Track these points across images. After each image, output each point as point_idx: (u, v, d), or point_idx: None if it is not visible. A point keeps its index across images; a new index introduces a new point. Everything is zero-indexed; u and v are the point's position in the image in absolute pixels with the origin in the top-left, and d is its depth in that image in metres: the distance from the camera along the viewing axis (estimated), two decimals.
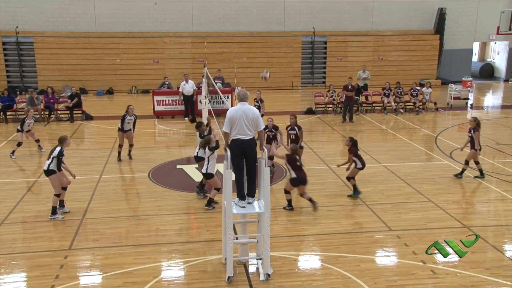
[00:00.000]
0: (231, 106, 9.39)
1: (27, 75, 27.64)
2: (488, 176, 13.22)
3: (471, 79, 27.06)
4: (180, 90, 20.67)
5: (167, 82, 22.61)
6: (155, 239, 9.73)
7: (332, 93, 22.23)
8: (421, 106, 22.24)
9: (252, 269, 8.50)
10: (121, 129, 14.67)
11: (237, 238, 8.64)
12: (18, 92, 25.76)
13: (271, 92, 27.88)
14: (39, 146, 15.79)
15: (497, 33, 28.77)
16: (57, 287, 7.90)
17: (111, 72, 27.91)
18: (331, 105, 22.22)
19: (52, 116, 20.72)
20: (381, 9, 29.77)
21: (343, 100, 20.59)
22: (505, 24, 28.07)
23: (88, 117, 20.91)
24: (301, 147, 13.14)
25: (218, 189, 10.87)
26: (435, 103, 22.46)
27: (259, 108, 16.28)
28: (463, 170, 13.21)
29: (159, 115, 21.27)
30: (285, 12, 29.18)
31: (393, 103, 21.99)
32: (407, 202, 11.60)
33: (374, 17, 29.87)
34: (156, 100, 21.21)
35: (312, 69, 29.89)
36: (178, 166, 14.29)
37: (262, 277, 8.10)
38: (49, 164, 10.51)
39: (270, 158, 13.03)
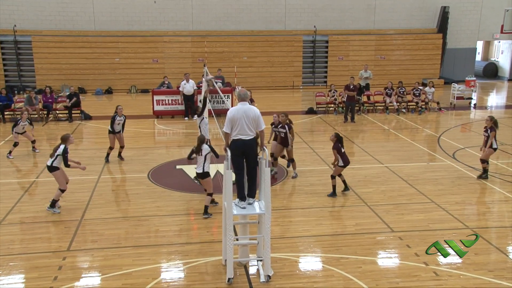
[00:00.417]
0: (232, 106, 9.40)
1: (25, 74, 27.68)
2: (491, 177, 13.23)
3: (474, 78, 26.99)
4: (181, 89, 20.67)
5: (166, 82, 22.63)
6: (154, 240, 9.74)
7: (333, 92, 22.24)
8: (423, 106, 22.25)
9: (252, 270, 8.51)
10: (112, 131, 14.52)
11: (237, 239, 8.64)
12: (16, 92, 25.74)
13: (272, 92, 27.93)
14: (33, 147, 15.75)
15: (501, 32, 28.81)
16: None
17: (110, 71, 27.93)
18: (332, 105, 22.23)
19: (50, 115, 20.74)
20: (384, 8, 29.77)
21: (345, 99, 20.60)
22: (509, 22, 28.08)
23: (87, 117, 20.93)
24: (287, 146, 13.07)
25: (211, 194, 10.75)
26: (438, 103, 22.46)
27: None
28: (485, 169, 13.18)
29: (158, 115, 21.28)
30: (286, 10, 29.19)
31: (395, 103, 22.00)
32: (409, 203, 11.60)
33: (376, 15, 29.87)
34: (156, 100, 21.23)
35: (313, 69, 29.89)
36: (178, 167, 14.30)
37: (262, 279, 8.12)
38: (52, 161, 10.77)
39: (276, 158, 13.45)
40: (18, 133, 15.48)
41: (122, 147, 14.89)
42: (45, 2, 27.12)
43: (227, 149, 8.19)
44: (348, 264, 8.69)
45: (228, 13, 28.75)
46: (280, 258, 8.86)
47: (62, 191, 10.99)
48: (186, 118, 20.83)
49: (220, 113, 19.20)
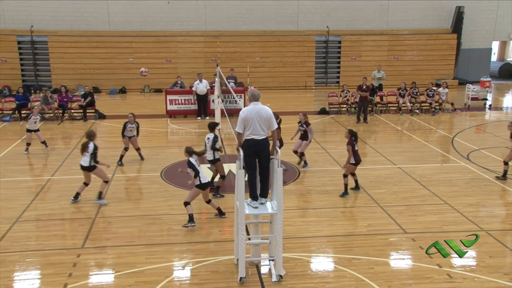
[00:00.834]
0: (244, 106, 9.42)
1: (41, 74, 27.97)
2: (508, 178, 13.08)
3: (489, 79, 26.69)
4: (194, 89, 20.73)
5: (179, 82, 22.73)
6: (167, 239, 9.79)
7: (346, 93, 22.16)
8: (437, 107, 22.08)
9: (264, 270, 8.52)
10: (124, 136, 14.62)
11: (249, 239, 8.65)
12: (32, 91, 26.08)
13: (284, 92, 27.91)
14: (45, 144, 15.85)
15: None
16: (70, 285, 7.99)
17: (124, 71, 28.11)
18: (345, 105, 22.16)
19: (65, 114, 20.93)
20: (397, 8, 29.58)
21: (357, 100, 20.52)
22: None
23: (101, 116, 21.09)
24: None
25: (188, 203, 10.29)
26: (452, 104, 22.26)
27: None
28: (505, 171, 13.14)
29: (171, 114, 21.37)
30: (298, 11, 29.14)
31: (408, 104, 21.86)
32: (422, 204, 11.53)
33: (389, 16, 29.69)
34: (169, 100, 21.31)
35: (325, 69, 29.81)
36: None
37: (274, 278, 8.12)
38: (89, 161, 11.20)
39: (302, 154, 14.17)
40: (31, 131, 15.58)
41: (138, 149, 14.95)
42: (61, 3, 27.38)
43: (240, 149, 8.21)
44: (360, 265, 8.66)
45: (241, 14, 28.77)
46: (292, 258, 8.85)
47: (106, 182, 11.61)
48: (199, 118, 20.89)
49: (233, 113, 19.23)
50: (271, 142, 8.36)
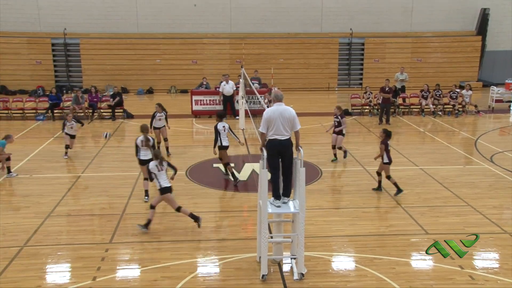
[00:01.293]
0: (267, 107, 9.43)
1: (73, 74, 28.48)
2: None
3: None
4: (220, 90, 20.84)
5: (205, 83, 22.87)
6: (191, 236, 9.86)
7: (368, 94, 21.97)
8: (460, 109, 21.71)
9: (286, 268, 8.50)
10: (156, 127, 14.84)
11: (271, 237, 8.66)
12: (64, 91, 26.57)
13: (307, 93, 27.80)
14: (66, 153, 15.17)
15: None
16: (99, 278, 8.13)
17: (152, 72, 28.41)
18: (367, 107, 21.96)
19: (95, 114, 21.27)
20: (421, 11, 29.17)
21: (380, 102, 20.33)
22: None
23: (129, 116, 21.36)
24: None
25: (153, 207, 10.03)
26: (475, 106, 21.87)
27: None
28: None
29: (197, 114, 21.51)
30: (322, 13, 28.99)
31: (431, 105, 21.55)
32: (444, 205, 11.35)
33: (413, 18, 29.31)
34: (194, 100, 21.46)
35: (349, 71, 29.60)
36: (214, 165, 14.41)
37: (296, 276, 8.10)
38: (151, 153, 11.13)
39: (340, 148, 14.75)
40: (68, 135, 15.24)
41: (165, 139, 15.14)
42: (93, 7, 27.84)
43: (263, 148, 8.21)
44: (382, 264, 8.57)
45: (266, 16, 28.78)
46: (314, 256, 8.82)
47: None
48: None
49: (257, 113, 19.25)
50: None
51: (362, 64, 29.51)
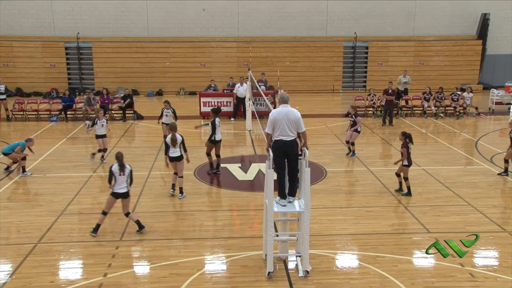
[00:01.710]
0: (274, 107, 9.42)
1: (86, 77, 28.58)
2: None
3: None
4: (235, 91, 20.93)
5: (213, 85, 22.89)
6: (199, 234, 9.86)
7: (372, 97, 21.89)
8: (461, 111, 21.59)
9: (291, 265, 8.48)
10: (163, 122, 15.50)
11: (277, 235, 8.64)
12: (77, 93, 26.68)
13: (313, 95, 27.76)
14: (103, 156, 14.72)
15: None
16: (110, 275, 8.14)
17: (161, 74, 28.48)
18: (371, 109, 21.89)
19: (106, 115, 21.28)
20: (424, 15, 29.05)
21: (383, 104, 20.25)
22: None
23: (139, 117, 21.41)
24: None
25: (105, 213, 9.77)
26: (476, 108, 21.75)
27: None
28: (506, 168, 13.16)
29: (205, 115, 21.50)
30: (327, 18, 28.93)
31: (433, 108, 21.44)
32: (446, 205, 11.28)
33: (416, 22, 29.18)
34: (202, 102, 21.48)
35: (353, 73, 29.51)
36: (222, 165, 14.40)
37: (301, 274, 8.08)
38: (180, 151, 11.53)
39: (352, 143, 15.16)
40: (100, 136, 14.58)
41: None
42: (105, 12, 27.95)
43: (269, 149, 8.20)
44: (384, 262, 8.53)
45: (272, 20, 28.76)
46: (318, 254, 8.79)
47: (182, 177, 11.77)
48: (233, 119, 21.00)
49: (263, 115, 19.23)
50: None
51: (366, 67, 29.42)
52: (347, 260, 8.84)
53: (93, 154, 14.87)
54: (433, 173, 13.53)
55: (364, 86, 29.09)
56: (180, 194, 11.73)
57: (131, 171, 9.65)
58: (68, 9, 27.68)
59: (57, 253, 8.94)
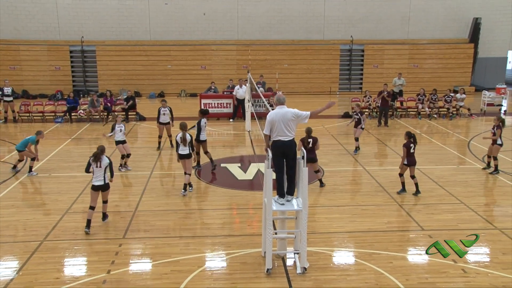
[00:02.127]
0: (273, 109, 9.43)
1: (90, 79, 28.58)
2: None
3: (505, 86, 26.08)
4: (234, 93, 20.93)
5: (213, 87, 22.88)
6: (200, 232, 9.86)
7: (368, 98, 21.91)
8: (454, 112, 21.62)
9: (289, 262, 8.49)
10: (161, 123, 15.65)
11: (276, 233, 8.65)
12: (81, 95, 26.67)
13: (311, 97, 27.75)
14: (125, 162, 13.90)
15: None
16: (113, 272, 8.15)
17: (163, 77, 28.48)
18: (367, 110, 21.90)
19: (110, 116, 21.31)
20: (418, 19, 29.11)
21: (379, 105, 20.27)
22: None
23: (142, 118, 21.41)
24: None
25: (92, 208, 9.83)
26: (468, 109, 21.79)
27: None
28: (495, 165, 13.31)
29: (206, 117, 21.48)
30: (325, 21, 28.97)
31: (427, 109, 21.47)
32: (439, 203, 11.30)
33: (410, 26, 29.23)
34: (203, 103, 21.48)
35: (349, 76, 29.54)
36: (222, 165, 14.42)
37: (299, 270, 8.09)
38: (189, 149, 11.71)
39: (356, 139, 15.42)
40: (120, 142, 13.71)
41: (169, 136, 15.52)
42: (108, 16, 27.95)
43: (268, 149, 8.21)
44: (380, 259, 8.54)
45: (271, 24, 28.78)
46: (316, 251, 8.80)
47: (189, 174, 11.87)
48: (231, 120, 21.00)
49: (262, 116, 19.24)
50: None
51: (362, 69, 29.45)
52: (343, 257, 8.85)
53: (121, 165, 13.74)
54: (427, 172, 13.54)
55: (360, 88, 29.12)
56: (183, 190, 11.78)
57: (109, 164, 9.89)
58: (72, 13, 27.69)
59: (62, 251, 8.95)
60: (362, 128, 15.60)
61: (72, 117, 21.07)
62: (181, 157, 11.75)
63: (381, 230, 9.86)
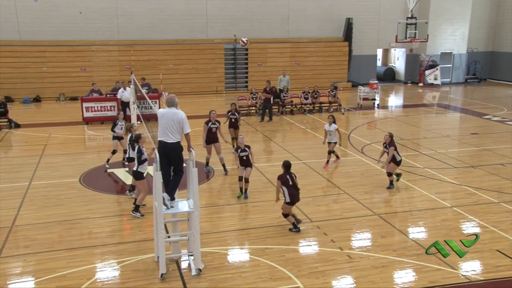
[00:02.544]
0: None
1: None
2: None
3: (377, 81, 28.45)
4: (118, 96, 20.08)
5: (96, 89, 21.79)
6: (88, 242, 9.36)
7: (254, 96, 22.50)
8: (336, 107, 23.05)
9: (184, 265, 8.42)
10: (116, 137, 14.04)
11: (168, 237, 8.52)
12: None
13: (197, 97, 27.75)
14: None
15: (396, 41, 30.36)
16: None
17: (38, 80, 26.45)
18: (253, 108, 22.48)
19: None
20: (296, 19, 30.48)
21: (262, 101, 21.05)
22: (401, 33, 29.67)
23: (16, 125, 19.70)
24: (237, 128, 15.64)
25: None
26: (340, 105, 23.29)
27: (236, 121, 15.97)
28: (391, 180, 12.53)
29: (88, 121, 20.47)
30: (207, 20, 29.10)
31: (309, 105, 22.63)
32: (325, 195, 11.97)
33: (290, 25, 30.53)
34: (85, 107, 20.42)
35: (235, 74, 30.02)
36: (109, 170, 13.83)
37: (194, 272, 8.05)
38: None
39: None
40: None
41: (125, 151, 14.12)
42: None
43: (156, 151, 8.07)
44: (273, 253, 8.82)
45: (153, 23, 28.20)
46: (210, 252, 8.83)
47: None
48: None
49: (149, 118, 18.78)
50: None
51: (246, 68, 30.09)
52: (237, 254, 8.99)
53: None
54: (313, 166, 14.26)
55: (246, 86, 29.74)
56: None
57: None
58: None
59: None
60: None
61: None
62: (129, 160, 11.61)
63: (272, 225, 10.17)
